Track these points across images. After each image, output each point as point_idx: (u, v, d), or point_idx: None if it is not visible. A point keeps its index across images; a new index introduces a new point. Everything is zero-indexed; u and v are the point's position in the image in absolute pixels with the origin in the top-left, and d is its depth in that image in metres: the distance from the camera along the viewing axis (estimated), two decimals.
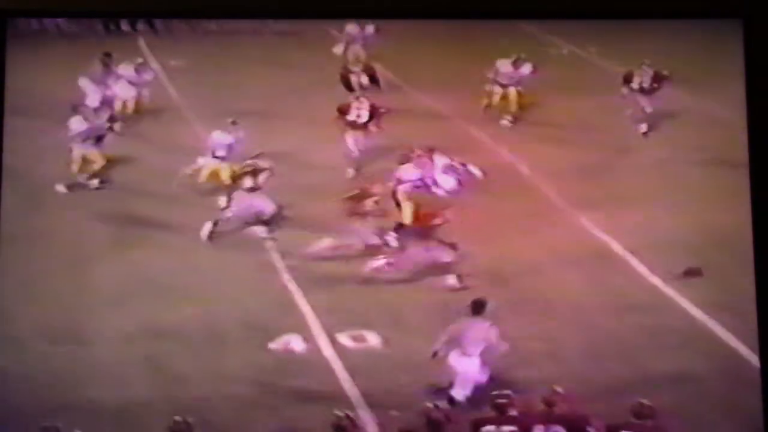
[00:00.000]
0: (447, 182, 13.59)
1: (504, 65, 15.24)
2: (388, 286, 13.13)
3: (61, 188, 14.30)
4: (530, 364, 12.19)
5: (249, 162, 14.16)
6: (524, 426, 11.43)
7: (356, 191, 13.74)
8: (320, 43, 14.99)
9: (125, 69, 15.31)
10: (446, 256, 13.32)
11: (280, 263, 13.43)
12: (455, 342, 12.04)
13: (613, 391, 11.90)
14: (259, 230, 13.89)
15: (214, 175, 14.43)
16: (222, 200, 14.10)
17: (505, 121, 15.29)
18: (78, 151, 14.47)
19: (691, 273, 13.02)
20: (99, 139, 14.56)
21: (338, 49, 15.55)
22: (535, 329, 12.55)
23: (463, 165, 13.62)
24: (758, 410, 11.88)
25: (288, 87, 15.30)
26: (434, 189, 13.60)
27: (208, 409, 11.88)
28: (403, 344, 12.47)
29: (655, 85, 15.08)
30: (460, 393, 11.98)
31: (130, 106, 15.44)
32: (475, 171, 13.56)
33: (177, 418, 11.58)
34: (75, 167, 14.48)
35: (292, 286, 13.16)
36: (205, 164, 14.46)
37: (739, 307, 12.38)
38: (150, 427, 11.73)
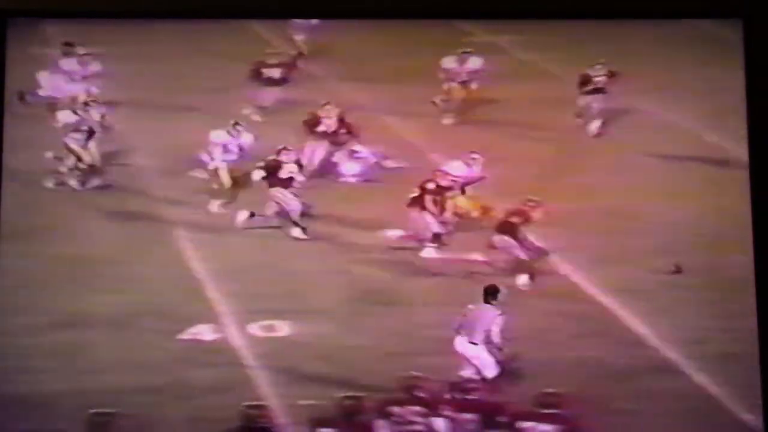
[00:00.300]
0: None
1: (449, 62, 15.03)
2: (300, 275, 13.16)
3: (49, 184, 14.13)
4: (445, 352, 12.25)
5: (270, 158, 14.02)
6: (433, 408, 11.54)
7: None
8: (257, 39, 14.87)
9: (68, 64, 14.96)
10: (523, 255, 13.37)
11: (192, 253, 13.35)
12: (467, 325, 12.19)
13: (529, 379, 12.04)
14: (295, 231, 13.76)
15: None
16: (216, 203, 14.01)
17: (449, 119, 15.10)
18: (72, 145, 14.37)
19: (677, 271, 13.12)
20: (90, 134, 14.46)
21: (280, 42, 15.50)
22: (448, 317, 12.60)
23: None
24: (671, 393, 12.05)
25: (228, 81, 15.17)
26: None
27: (120, 399, 11.84)
28: (313, 333, 12.51)
29: (609, 84, 14.91)
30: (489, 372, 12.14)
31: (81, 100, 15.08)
32: None
33: (96, 410, 11.67)
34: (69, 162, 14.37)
35: (203, 276, 13.11)
36: (219, 166, 14.33)
37: (645, 290, 12.77)
38: (65, 418, 11.73)
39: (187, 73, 14.79)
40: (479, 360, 12.10)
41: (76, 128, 14.40)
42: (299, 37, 15.62)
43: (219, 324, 12.63)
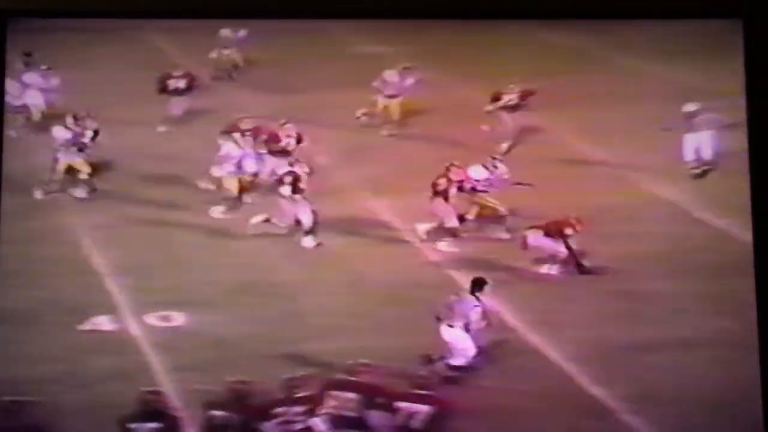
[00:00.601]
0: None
1: (391, 75, 15.21)
2: (195, 268, 13.67)
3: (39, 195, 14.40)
4: (330, 337, 12.88)
5: (286, 169, 14.35)
6: (318, 399, 12.10)
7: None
8: (198, 46, 15.23)
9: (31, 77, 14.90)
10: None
11: (91, 248, 13.79)
12: (449, 312, 12.71)
13: (406, 362, 12.55)
14: (306, 240, 14.07)
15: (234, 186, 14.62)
16: (219, 209, 14.32)
17: (386, 131, 15.32)
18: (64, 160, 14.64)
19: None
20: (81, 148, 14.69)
21: (214, 54, 15.81)
22: (334, 305, 13.26)
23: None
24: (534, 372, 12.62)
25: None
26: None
27: (21, 389, 12.35)
28: (206, 322, 13.08)
29: (522, 102, 15.02)
30: (458, 360, 12.61)
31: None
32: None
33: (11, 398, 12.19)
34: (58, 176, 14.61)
35: (102, 270, 13.55)
36: (224, 176, 14.60)
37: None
38: None
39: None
40: (460, 345, 12.60)
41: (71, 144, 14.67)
42: (227, 51, 15.86)
43: (117, 315, 13.09)
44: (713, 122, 14.11)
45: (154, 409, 12.07)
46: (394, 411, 11.95)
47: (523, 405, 12.34)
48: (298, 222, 14.18)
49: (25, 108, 14.97)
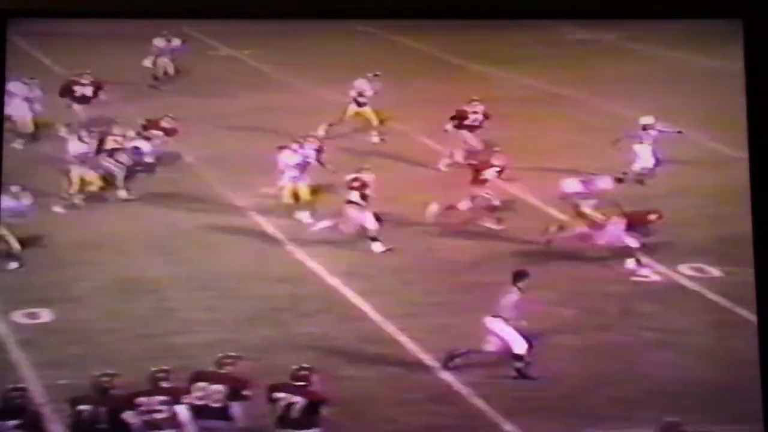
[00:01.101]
0: None
1: (361, 83, 15.67)
2: (63, 265, 13.93)
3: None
4: (194, 331, 13.16)
5: (353, 176, 14.47)
6: (183, 390, 12.24)
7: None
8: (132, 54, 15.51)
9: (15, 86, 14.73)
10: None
11: None
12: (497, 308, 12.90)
13: (272, 353, 12.86)
14: (375, 246, 14.24)
15: (295, 194, 14.79)
16: (305, 215, 14.54)
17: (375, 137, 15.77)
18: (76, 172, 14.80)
19: None
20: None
21: (148, 62, 16.13)
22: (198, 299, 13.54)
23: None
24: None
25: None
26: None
27: None
28: (72, 319, 13.28)
29: (483, 121, 15.27)
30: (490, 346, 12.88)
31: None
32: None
33: None
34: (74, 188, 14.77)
35: None
36: (285, 185, 14.76)
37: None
38: None
39: None
40: (505, 335, 12.83)
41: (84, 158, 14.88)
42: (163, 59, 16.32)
43: None
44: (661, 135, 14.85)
45: (16, 405, 12.07)
46: (273, 401, 12.13)
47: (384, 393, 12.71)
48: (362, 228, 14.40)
49: None
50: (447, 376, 12.85)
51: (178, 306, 13.46)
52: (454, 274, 13.80)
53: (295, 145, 14.89)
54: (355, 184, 14.50)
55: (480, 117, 15.31)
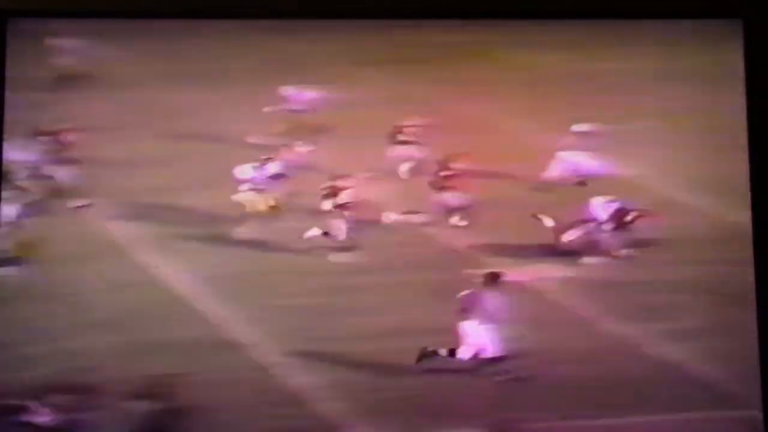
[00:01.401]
0: None
1: (288, 90, 14.98)
2: None
3: None
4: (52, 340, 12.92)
5: (327, 184, 14.26)
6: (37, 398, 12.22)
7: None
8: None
9: None
10: None
11: None
12: (470, 311, 12.82)
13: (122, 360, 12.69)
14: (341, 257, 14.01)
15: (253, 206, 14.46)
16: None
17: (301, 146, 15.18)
18: None
19: None
20: None
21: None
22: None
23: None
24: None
25: None
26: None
27: None
28: None
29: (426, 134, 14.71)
30: (464, 352, 12.78)
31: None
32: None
33: None
34: None
35: None
36: (245, 197, 14.42)
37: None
38: None
39: None
40: (479, 339, 12.78)
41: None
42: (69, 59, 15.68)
43: None
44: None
45: None
46: (127, 410, 12.16)
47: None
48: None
49: None
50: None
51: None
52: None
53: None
54: (329, 192, 14.35)
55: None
